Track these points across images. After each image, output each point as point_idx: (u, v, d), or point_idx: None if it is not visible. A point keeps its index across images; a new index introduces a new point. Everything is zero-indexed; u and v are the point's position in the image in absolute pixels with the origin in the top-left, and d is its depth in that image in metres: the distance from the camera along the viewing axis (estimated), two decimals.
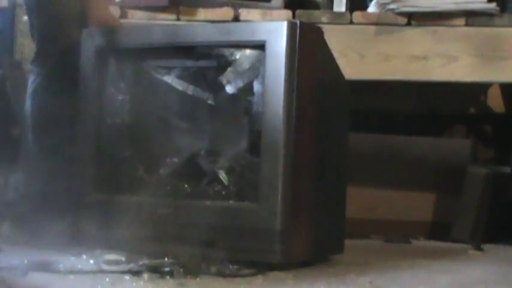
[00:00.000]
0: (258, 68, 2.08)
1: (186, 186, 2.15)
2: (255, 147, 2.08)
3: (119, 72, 2.26)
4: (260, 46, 2.06)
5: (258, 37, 2.07)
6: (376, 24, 2.56)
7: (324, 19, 2.58)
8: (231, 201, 2.09)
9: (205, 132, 2.17)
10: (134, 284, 1.82)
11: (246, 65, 2.10)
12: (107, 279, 1.84)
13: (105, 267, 1.93)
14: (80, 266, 1.94)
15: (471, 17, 2.56)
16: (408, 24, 2.56)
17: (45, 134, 2.32)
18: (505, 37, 2.55)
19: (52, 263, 1.94)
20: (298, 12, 2.59)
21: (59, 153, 2.29)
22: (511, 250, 2.62)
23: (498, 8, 2.56)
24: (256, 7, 2.64)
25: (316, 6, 2.72)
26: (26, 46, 2.66)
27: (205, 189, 2.13)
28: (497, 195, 2.81)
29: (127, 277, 1.86)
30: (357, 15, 2.58)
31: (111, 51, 2.27)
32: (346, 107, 2.23)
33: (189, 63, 2.18)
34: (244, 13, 2.62)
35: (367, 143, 2.94)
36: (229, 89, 2.12)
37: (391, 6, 2.55)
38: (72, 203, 2.23)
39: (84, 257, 2.02)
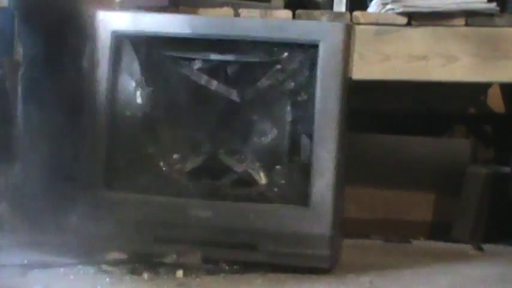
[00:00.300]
0: (308, 68, 2.06)
1: (222, 186, 2.07)
2: (296, 148, 2.06)
3: (139, 63, 2.11)
4: (312, 46, 2.04)
5: (312, 37, 2.03)
6: (376, 24, 2.56)
7: (323, 19, 2.58)
8: (275, 204, 2.03)
9: (238, 130, 2.12)
10: (134, 284, 1.82)
11: (295, 64, 2.07)
12: (107, 279, 1.84)
13: (105, 267, 1.92)
14: (80, 266, 1.94)
15: (471, 17, 2.56)
16: (408, 24, 2.56)
17: (37, 128, 2.24)
18: (505, 37, 2.55)
19: (52, 263, 1.93)
20: (298, 12, 2.59)
21: (54, 148, 2.21)
22: (511, 250, 2.62)
23: (498, 8, 2.56)
24: (256, 7, 2.64)
25: (316, 6, 2.72)
26: None
27: (245, 191, 2.06)
28: (497, 195, 2.81)
29: (127, 277, 1.86)
30: (357, 15, 2.58)
31: (132, 39, 2.10)
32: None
33: (228, 57, 2.11)
34: (244, 13, 2.61)
35: (367, 143, 2.93)
36: (278, 87, 2.08)
37: (391, 6, 2.54)
38: (78, 200, 2.09)
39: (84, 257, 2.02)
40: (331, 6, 2.69)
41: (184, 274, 1.91)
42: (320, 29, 2.05)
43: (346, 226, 2.25)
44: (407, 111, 3.16)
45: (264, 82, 2.09)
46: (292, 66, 2.07)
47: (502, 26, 2.56)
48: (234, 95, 2.11)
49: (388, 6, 2.56)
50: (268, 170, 2.08)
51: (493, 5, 2.55)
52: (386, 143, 2.94)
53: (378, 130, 3.00)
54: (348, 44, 2.06)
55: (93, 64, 2.09)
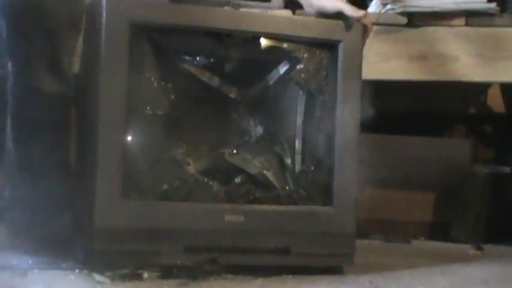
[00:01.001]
0: (327, 67, 2.05)
1: (251, 191, 2.02)
2: (316, 148, 2.06)
3: (154, 56, 1.94)
4: (332, 45, 2.03)
5: (333, 36, 2.02)
6: (376, 24, 2.56)
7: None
8: (301, 205, 2.02)
9: (253, 131, 2.12)
10: (134, 284, 1.81)
11: (315, 64, 2.05)
12: (108, 279, 1.83)
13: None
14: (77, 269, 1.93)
15: (471, 17, 2.56)
16: (408, 24, 2.56)
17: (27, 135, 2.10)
18: (505, 37, 2.55)
19: (52, 263, 1.93)
20: (298, 12, 2.59)
21: (46, 157, 2.07)
22: (511, 250, 2.62)
23: (498, 8, 2.56)
24: (256, 7, 2.64)
25: None
26: None
27: (272, 194, 2.03)
28: (497, 195, 2.81)
29: (127, 277, 1.85)
30: None
31: (147, 29, 1.91)
32: None
33: (242, 54, 2.03)
34: None
35: (367, 143, 2.93)
36: (301, 88, 2.06)
37: (391, 6, 2.55)
38: (83, 209, 1.94)
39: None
40: None
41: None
42: (340, 28, 2.03)
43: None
44: (408, 111, 3.16)
45: (283, 80, 2.07)
46: (313, 65, 2.05)
47: (502, 26, 2.56)
48: (250, 93, 2.09)
49: (388, 6, 2.56)
50: (288, 172, 2.07)
51: (493, 5, 2.55)
52: (386, 143, 2.94)
53: (378, 130, 3.00)
54: (363, 43, 2.07)
55: (106, 58, 1.87)
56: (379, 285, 1.91)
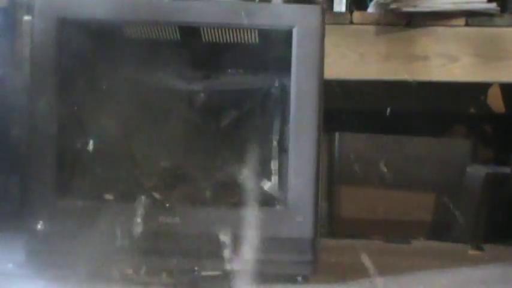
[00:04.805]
0: (282, 56, 1.87)
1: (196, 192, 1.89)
2: (269, 146, 1.93)
3: (88, 53, 1.84)
4: (285, 32, 1.84)
5: (285, 22, 1.83)
6: (376, 24, 2.56)
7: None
8: (254, 208, 1.83)
9: (203, 124, 1.97)
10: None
11: (267, 52, 1.90)
12: None
13: None
14: None
15: (471, 17, 2.55)
16: (408, 24, 2.56)
17: None
18: (505, 37, 2.55)
19: None
20: None
21: None
22: (511, 250, 2.62)
23: (498, 8, 2.56)
24: None
25: None
26: (26, 46, 2.66)
27: (217, 195, 1.90)
28: (497, 195, 2.81)
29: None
30: (357, 15, 2.58)
31: (79, 25, 1.82)
32: None
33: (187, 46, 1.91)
34: None
35: (367, 143, 2.93)
36: (253, 79, 1.93)
37: (391, 6, 2.54)
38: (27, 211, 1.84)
39: None
40: (331, 6, 2.68)
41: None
42: (293, 13, 1.83)
43: (344, 226, 2.24)
44: (407, 111, 3.16)
45: (233, 73, 1.96)
46: (264, 54, 1.90)
47: (502, 26, 2.56)
48: (197, 86, 1.97)
49: (388, 7, 2.55)
50: (241, 171, 1.92)
51: (493, 5, 2.55)
52: (386, 143, 2.94)
53: (378, 130, 3.00)
54: (323, 29, 1.86)
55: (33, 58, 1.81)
56: (379, 285, 1.91)
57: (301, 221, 1.84)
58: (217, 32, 1.91)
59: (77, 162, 1.90)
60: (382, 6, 2.57)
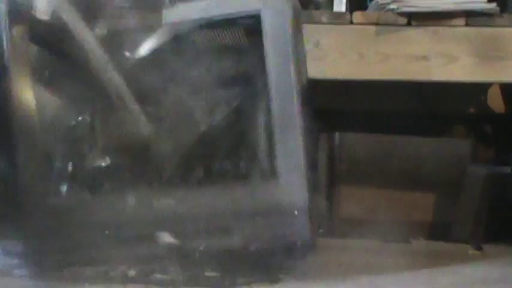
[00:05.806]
0: (253, 43, 1.83)
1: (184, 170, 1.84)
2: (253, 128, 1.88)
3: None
4: (252, 17, 1.79)
5: (250, 7, 1.78)
6: (376, 24, 2.56)
7: (323, 19, 2.58)
8: (243, 183, 1.80)
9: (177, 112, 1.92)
10: None
11: (237, 40, 1.87)
12: None
13: None
14: None
15: (471, 17, 2.55)
16: (408, 24, 2.56)
17: None
18: (505, 37, 2.55)
19: None
20: None
21: None
22: (511, 250, 2.62)
23: (498, 8, 2.56)
24: None
25: (316, 6, 2.72)
26: None
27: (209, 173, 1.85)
28: (497, 195, 2.81)
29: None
30: (357, 15, 2.58)
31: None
32: None
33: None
34: None
35: (367, 143, 2.93)
36: (226, 66, 1.88)
37: (391, 6, 2.54)
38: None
39: None
40: (331, 6, 2.69)
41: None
42: None
43: (344, 226, 2.25)
44: (408, 111, 3.16)
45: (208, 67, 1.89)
46: (235, 44, 1.86)
47: (502, 26, 2.56)
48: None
49: (388, 7, 2.56)
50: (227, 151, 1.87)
51: (493, 5, 2.55)
52: (386, 143, 2.94)
53: (378, 130, 3.00)
54: (294, 8, 1.82)
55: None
56: (379, 286, 1.91)
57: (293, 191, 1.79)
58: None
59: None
60: (382, 6, 2.57)
